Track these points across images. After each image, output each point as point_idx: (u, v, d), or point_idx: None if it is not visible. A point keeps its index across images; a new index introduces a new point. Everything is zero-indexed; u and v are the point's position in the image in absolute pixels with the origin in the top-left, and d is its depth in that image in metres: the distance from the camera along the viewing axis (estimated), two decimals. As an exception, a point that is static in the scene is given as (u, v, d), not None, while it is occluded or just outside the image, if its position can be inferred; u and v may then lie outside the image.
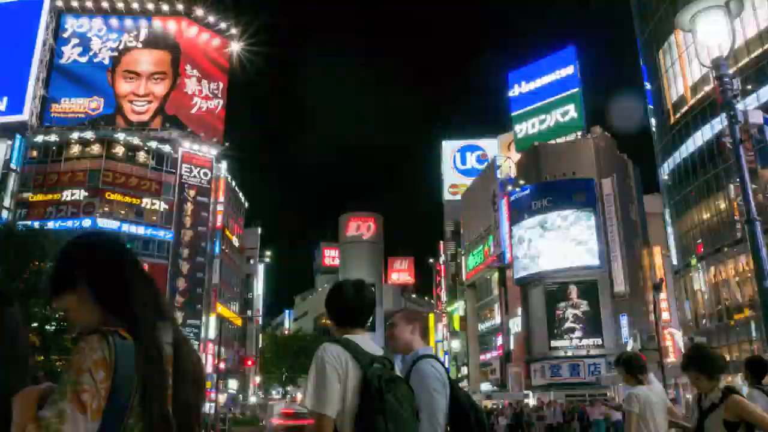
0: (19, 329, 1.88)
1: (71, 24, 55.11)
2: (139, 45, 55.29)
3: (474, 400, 2.81)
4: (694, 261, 35.24)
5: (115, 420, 1.26)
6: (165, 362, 1.39)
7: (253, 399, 60.60)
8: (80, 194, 47.02)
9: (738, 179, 6.45)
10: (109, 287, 1.44)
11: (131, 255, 1.56)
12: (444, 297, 63.58)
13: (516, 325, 42.91)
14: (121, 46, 54.92)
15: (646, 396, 4.18)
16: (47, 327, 27.03)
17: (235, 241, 61.31)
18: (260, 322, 71.66)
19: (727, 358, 24.96)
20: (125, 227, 46.01)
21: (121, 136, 49.88)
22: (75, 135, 49.18)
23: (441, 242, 64.94)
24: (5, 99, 49.35)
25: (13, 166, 45.89)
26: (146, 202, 48.71)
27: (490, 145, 62.48)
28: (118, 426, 1.26)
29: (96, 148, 48.76)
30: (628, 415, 4.15)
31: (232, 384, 55.97)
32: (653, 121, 41.88)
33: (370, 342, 2.29)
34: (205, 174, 52.82)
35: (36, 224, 35.45)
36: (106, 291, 1.44)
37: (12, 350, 1.81)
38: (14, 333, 1.84)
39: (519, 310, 42.15)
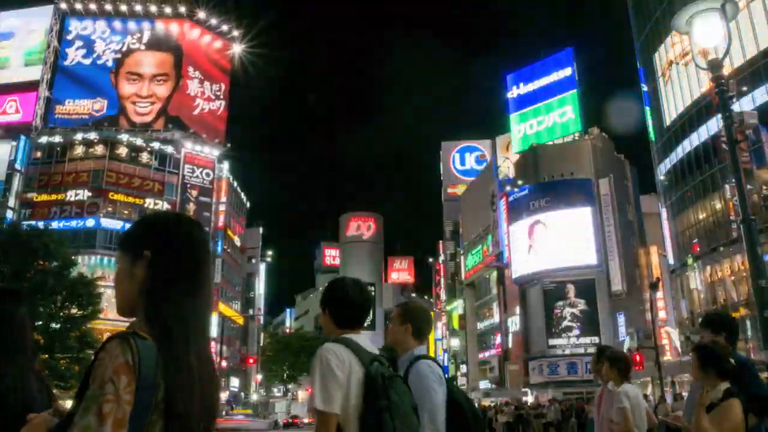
0: (26, 326, 2.11)
1: (75, 26, 55.60)
2: (142, 47, 55.76)
3: (468, 396, 2.99)
4: (690, 260, 35.59)
5: (140, 418, 1.27)
6: (190, 363, 1.38)
7: (254, 397, 61.20)
8: (84, 194, 47.43)
9: (734, 179, 6.58)
10: (165, 270, 1.44)
11: (204, 251, 1.54)
12: (443, 296, 64.00)
13: (514, 323, 43.30)
14: (124, 48, 55.41)
15: (635, 393, 4.36)
16: (52, 325, 27.37)
17: (237, 241, 61.82)
18: (261, 321, 72.24)
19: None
20: (128, 227, 46.44)
21: (124, 137, 50.36)
22: (79, 136, 49.64)
23: (440, 242, 65.39)
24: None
25: (17, 166, 46.39)
26: (149, 202, 49.15)
27: (488, 146, 62.96)
28: (142, 423, 1.27)
29: (99, 149, 49.21)
30: (623, 412, 4.23)
31: (234, 382, 56.43)
32: (650, 122, 42.30)
33: (367, 341, 2.33)
34: (207, 174, 53.31)
35: (40, 224, 35.78)
36: (160, 273, 1.43)
37: (21, 342, 2.06)
38: (22, 329, 2.08)
39: (517, 309, 42.54)
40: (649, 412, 4.59)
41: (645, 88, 42.79)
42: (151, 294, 1.41)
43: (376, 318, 74.11)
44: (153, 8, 56.35)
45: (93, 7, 55.36)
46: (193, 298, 1.45)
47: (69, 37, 55.14)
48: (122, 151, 49.63)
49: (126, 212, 47.99)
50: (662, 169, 39.86)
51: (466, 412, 2.70)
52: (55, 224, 41.42)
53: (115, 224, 46.26)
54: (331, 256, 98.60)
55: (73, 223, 45.83)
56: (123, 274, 1.46)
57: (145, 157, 50.45)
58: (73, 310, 28.30)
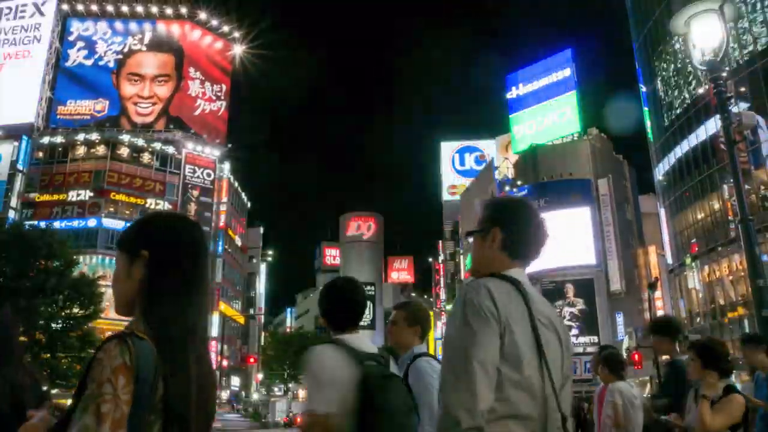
0: (13, 326, 2.23)
1: (77, 27, 55.83)
2: (144, 48, 55.98)
3: None
4: (688, 260, 35.75)
5: (138, 419, 1.27)
6: (188, 363, 1.38)
7: (255, 396, 61.33)
8: (85, 195, 47.66)
9: (732, 179, 6.56)
10: (163, 270, 1.43)
11: (202, 250, 1.53)
12: (443, 296, 64.20)
13: (514, 323, 43.45)
14: (125, 49, 55.65)
15: (628, 390, 4.38)
16: (53, 325, 27.42)
17: (238, 241, 62.04)
18: (262, 320, 72.48)
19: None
20: (127, 227, 46.57)
21: (125, 137, 50.57)
22: (80, 136, 49.85)
23: (440, 242, 65.65)
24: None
25: (19, 167, 46.52)
26: (150, 202, 49.34)
27: (488, 146, 63.14)
28: (140, 424, 1.28)
29: (101, 149, 49.42)
30: (614, 407, 4.29)
31: (235, 381, 56.70)
32: (648, 122, 42.46)
33: (365, 340, 2.32)
34: (208, 175, 53.53)
35: (42, 224, 35.77)
36: (158, 273, 1.43)
37: (10, 343, 2.16)
38: (9, 329, 2.18)
39: (517, 309, 42.71)
40: (648, 409, 4.62)
41: (644, 88, 42.96)
42: (149, 294, 1.41)
43: (376, 318, 74.35)
44: (154, 9, 56.59)
45: (94, 8, 55.61)
46: (191, 298, 1.44)
47: (71, 38, 55.38)
48: (124, 151, 49.84)
49: (127, 212, 48.20)
50: (661, 170, 40.01)
51: None
52: (56, 224, 41.49)
53: (117, 224, 46.45)
54: (331, 255, 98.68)
55: (75, 223, 46.04)
56: (121, 273, 1.46)
57: (146, 157, 50.66)
58: (75, 310, 28.32)
